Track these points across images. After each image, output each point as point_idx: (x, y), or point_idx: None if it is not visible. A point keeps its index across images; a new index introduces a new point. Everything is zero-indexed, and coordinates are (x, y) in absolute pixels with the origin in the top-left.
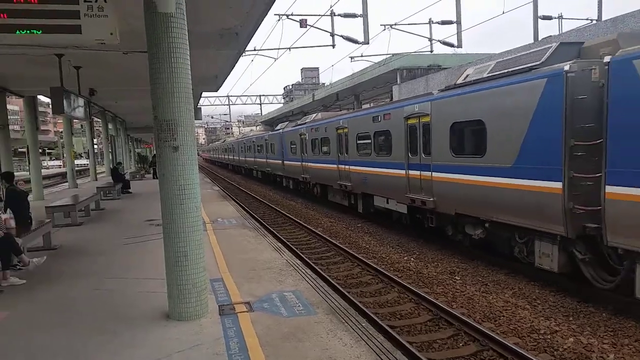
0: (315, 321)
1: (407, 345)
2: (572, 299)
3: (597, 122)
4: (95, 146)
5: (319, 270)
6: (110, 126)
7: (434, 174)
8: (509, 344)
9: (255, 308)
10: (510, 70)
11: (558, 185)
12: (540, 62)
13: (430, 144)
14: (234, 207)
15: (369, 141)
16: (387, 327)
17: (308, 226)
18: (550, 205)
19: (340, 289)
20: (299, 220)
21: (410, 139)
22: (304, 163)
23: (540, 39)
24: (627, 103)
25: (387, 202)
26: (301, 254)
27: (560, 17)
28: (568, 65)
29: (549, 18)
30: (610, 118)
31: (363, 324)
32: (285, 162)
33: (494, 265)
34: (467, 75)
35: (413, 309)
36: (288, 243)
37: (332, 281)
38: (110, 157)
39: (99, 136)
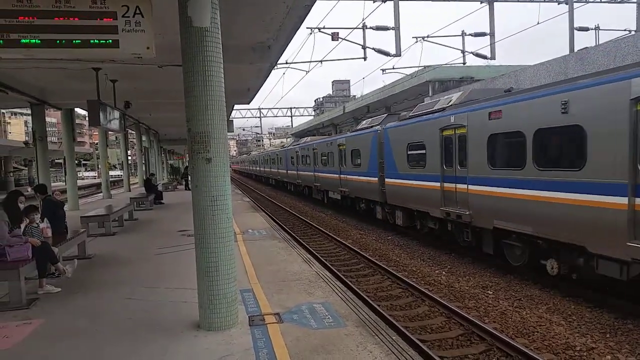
0: (344, 333)
1: None
2: (610, 315)
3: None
4: (129, 157)
5: (348, 282)
6: (143, 138)
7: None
8: None
9: (285, 319)
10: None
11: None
12: (378, 124)
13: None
14: (263, 218)
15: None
16: (417, 341)
17: (337, 238)
18: None
19: (370, 301)
20: (328, 232)
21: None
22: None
23: (576, 49)
24: (387, 143)
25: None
26: (331, 266)
27: (597, 28)
28: (379, 127)
29: (586, 29)
30: (386, 149)
31: (393, 337)
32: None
33: (528, 280)
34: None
35: (444, 323)
36: (317, 255)
37: (361, 294)
38: (144, 169)
39: (133, 148)
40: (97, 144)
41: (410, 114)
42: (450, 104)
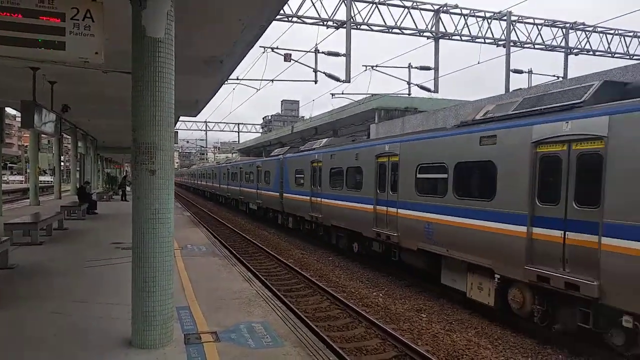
0: (282, 353)
1: None
2: (532, 340)
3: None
4: (62, 163)
5: (287, 302)
6: (80, 144)
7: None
8: None
9: (222, 338)
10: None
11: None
12: (282, 154)
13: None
14: (204, 234)
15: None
16: None
17: (279, 257)
18: None
19: (309, 322)
20: (270, 251)
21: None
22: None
23: (511, 89)
24: (285, 168)
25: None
26: (271, 285)
27: (530, 72)
28: (281, 156)
29: (520, 72)
30: (284, 172)
31: (330, 358)
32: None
33: (459, 304)
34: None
35: (379, 345)
36: (258, 273)
37: (300, 314)
38: (78, 176)
39: (67, 153)
40: (26, 146)
41: (299, 150)
42: (316, 146)
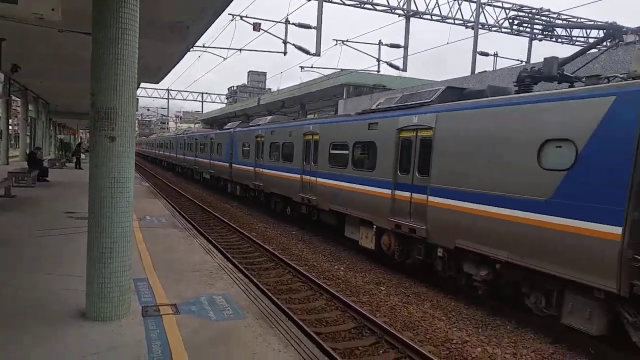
0: (244, 325)
1: (331, 351)
2: (483, 312)
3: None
4: (10, 127)
5: (249, 275)
6: (30, 107)
7: None
8: (425, 352)
9: (182, 310)
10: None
11: None
12: (233, 128)
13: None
14: (163, 205)
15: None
16: (312, 334)
17: (241, 230)
18: None
19: (270, 294)
20: (232, 224)
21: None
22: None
23: (477, 71)
24: (235, 141)
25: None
26: (232, 258)
27: (495, 55)
28: (232, 130)
29: (486, 54)
30: (234, 144)
31: (292, 330)
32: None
33: (416, 278)
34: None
35: (339, 317)
36: (219, 246)
37: (262, 286)
38: (28, 141)
39: (16, 117)
40: None
41: (248, 125)
42: (261, 123)
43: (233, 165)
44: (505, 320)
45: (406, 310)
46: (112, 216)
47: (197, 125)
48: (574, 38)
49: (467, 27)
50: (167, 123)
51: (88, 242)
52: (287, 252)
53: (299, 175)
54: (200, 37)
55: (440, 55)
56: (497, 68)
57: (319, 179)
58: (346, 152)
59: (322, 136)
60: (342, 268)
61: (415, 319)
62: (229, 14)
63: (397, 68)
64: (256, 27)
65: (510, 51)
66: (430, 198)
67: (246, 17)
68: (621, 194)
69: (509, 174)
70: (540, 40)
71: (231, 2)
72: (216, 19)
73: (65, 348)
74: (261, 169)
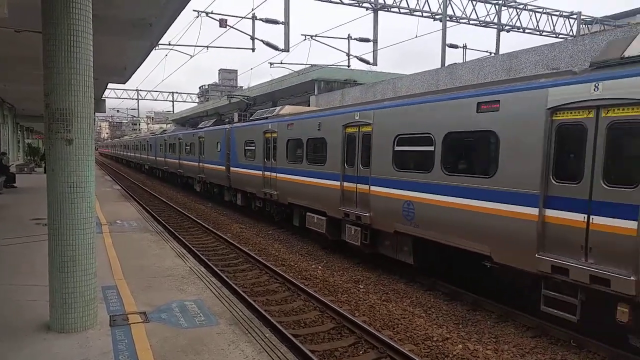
0: (216, 332)
1: (309, 354)
2: (462, 307)
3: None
4: None
5: (224, 277)
6: None
7: None
8: (405, 352)
9: (152, 319)
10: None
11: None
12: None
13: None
14: (135, 209)
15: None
16: (290, 336)
17: (216, 231)
18: None
19: (246, 297)
20: (207, 225)
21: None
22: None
23: (447, 64)
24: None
25: None
26: (207, 261)
27: (464, 47)
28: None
29: (455, 47)
30: (205, 144)
31: (267, 335)
32: None
33: (395, 275)
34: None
35: (317, 317)
36: (193, 249)
37: (237, 289)
38: None
39: None
40: None
41: (205, 125)
42: (236, 122)
43: (203, 165)
44: (485, 315)
45: (385, 308)
46: (72, 223)
47: (168, 126)
48: (540, 29)
49: (435, 19)
50: (139, 124)
51: (49, 251)
52: (263, 252)
53: (260, 172)
54: (164, 34)
55: (411, 49)
56: (467, 60)
57: (279, 175)
58: (302, 147)
59: (280, 134)
60: (320, 267)
61: (395, 317)
62: (193, 10)
63: (367, 62)
64: (222, 23)
65: (478, 43)
66: (374, 188)
67: (212, 13)
68: None
69: None
70: (507, 31)
71: None
72: (178, 14)
73: None
74: (235, 168)
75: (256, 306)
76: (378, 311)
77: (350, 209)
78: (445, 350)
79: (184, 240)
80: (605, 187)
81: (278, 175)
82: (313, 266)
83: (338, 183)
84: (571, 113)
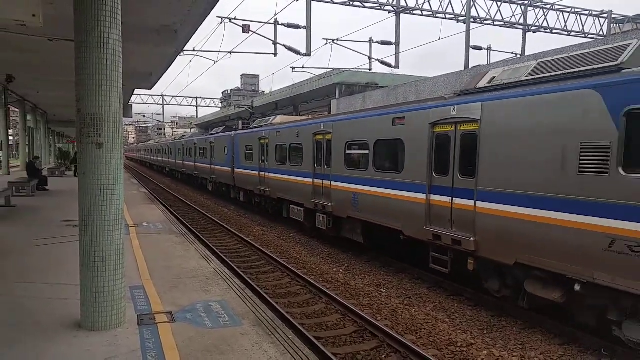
0: (240, 333)
1: (332, 357)
2: (488, 313)
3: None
4: (11, 137)
5: (247, 279)
6: (29, 117)
7: None
8: (428, 357)
9: (178, 318)
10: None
11: None
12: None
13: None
14: (161, 211)
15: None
16: (312, 338)
17: (239, 234)
18: None
19: (268, 298)
20: (230, 228)
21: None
22: None
23: (471, 66)
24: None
25: None
26: (230, 263)
27: (489, 49)
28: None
29: (479, 48)
30: (216, 148)
31: (289, 336)
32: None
33: (417, 279)
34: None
35: (339, 320)
36: (217, 251)
37: (260, 291)
38: (27, 151)
39: (16, 127)
40: None
41: (210, 134)
42: (238, 129)
43: (214, 166)
44: (511, 321)
45: (408, 313)
46: (102, 224)
47: (192, 130)
48: (569, 29)
49: (458, 21)
50: (164, 129)
51: (80, 251)
52: (285, 255)
53: (256, 172)
54: (189, 40)
55: (434, 51)
56: (492, 62)
57: (271, 174)
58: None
59: (272, 139)
60: (341, 270)
61: (418, 322)
62: (217, 16)
63: (389, 65)
64: (245, 29)
65: (504, 44)
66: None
67: (235, 19)
68: None
69: None
70: (534, 32)
71: (217, 3)
72: (203, 21)
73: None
74: (237, 169)
75: (279, 308)
76: (400, 315)
77: (319, 200)
78: (470, 356)
79: (207, 243)
80: (460, 178)
81: (269, 174)
82: (334, 269)
83: (311, 180)
84: (443, 127)
